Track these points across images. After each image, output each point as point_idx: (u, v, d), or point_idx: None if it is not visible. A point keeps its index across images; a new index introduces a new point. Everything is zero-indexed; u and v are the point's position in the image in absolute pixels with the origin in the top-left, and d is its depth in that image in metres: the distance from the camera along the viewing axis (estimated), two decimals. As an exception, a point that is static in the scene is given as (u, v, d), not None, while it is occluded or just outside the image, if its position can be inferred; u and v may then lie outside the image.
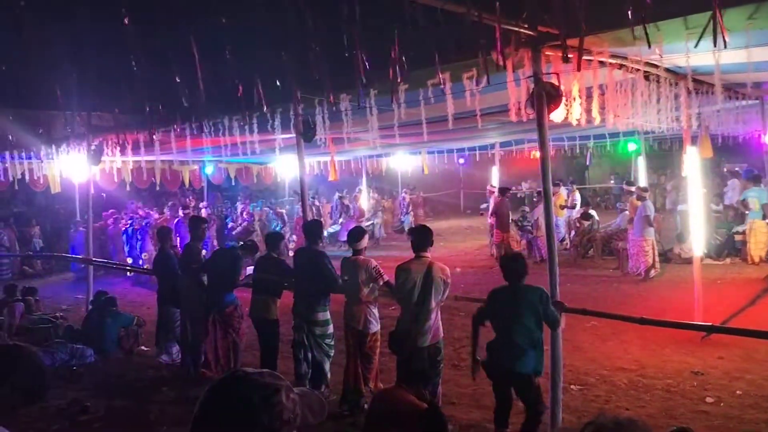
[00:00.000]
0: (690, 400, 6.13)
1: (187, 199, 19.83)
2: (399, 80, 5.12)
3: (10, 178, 12.91)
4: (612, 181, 25.58)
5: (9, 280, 13.86)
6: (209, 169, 18.28)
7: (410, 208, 21.03)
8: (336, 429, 5.82)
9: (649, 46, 4.18)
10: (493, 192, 16.69)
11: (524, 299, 4.93)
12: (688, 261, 10.88)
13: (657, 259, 11.99)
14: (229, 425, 1.39)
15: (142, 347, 8.91)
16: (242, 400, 1.41)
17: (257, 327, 7.17)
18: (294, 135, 7.48)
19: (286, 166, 18.68)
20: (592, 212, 15.32)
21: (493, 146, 17.16)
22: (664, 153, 19.37)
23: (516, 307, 4.93)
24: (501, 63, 4.60)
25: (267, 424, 1.41)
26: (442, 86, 5.38)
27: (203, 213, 15.82)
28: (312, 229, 6.91)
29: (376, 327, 6.29)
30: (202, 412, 1.43)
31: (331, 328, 6.63)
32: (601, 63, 5.25)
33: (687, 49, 4.87)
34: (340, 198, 19.25)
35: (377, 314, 6.36)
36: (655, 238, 12.36)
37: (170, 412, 6.41)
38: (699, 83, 6.67)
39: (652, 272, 11.76)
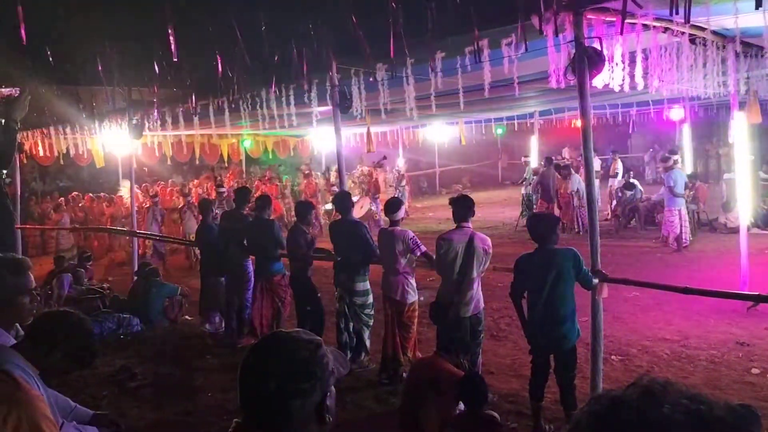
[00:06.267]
0: (735, 371, 6.02)
1: (218, 177, 19.84)
2: (436, 47, 5.04)
3: (56, 153, 13.22)
4: (651, 150, 24.95)
5: (60, 252, 14.28)
6: (247, 143, 18.43)
7: (403, 182, 19.55)
8: (375, 397, 5.91)
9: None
10: (528, 163, 16.49)
11: (556, 264, 4.84)
12: (734, 230, 10.63)
13: (686, 229, 11.72)
14: (285, 380, 1.46)
15: (186, 316, 9.14)
16: (294, 355, 1.48)
17: (295, 291, 7.36)
18: (330, 107, 7.46)
19: (322, 139, 18.68)
20: (635, 182, 15.01)
21: (532, 115, 16.88)
22: (710, 120, 18.76)
23: (550, 275, 4.84)
24: (541, 27, 4.49)
25: (319, 376, 1.49)
26: (479, 53, 5.27)
27: None
28: (342, 201, 6.94)
29: (413, 297, 6.32)
30: (251, 372, 1.49)
31: (370, 298, 6.69)
32: (645, 26, 5.09)
33: (736, 10, 4.67)
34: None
35: (415, 284, 6.38)
36: (697, 207, 12.06)
37: (214, 378, 6.59)
38: (748, 46, 6.41)
39: (683, 242, 11.54)
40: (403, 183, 19.96)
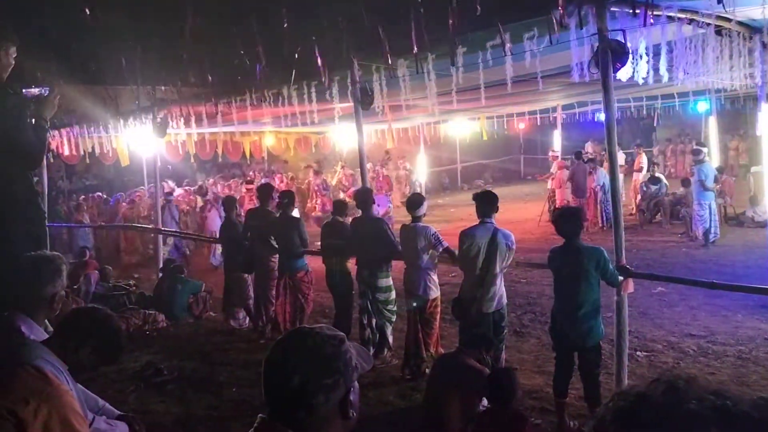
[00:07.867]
0: (763, 367, 5.93)
1: (251, 174, 19.99)
2: (457, 43, 5.02)
3: (81, 152, 13.41)
4: (678, 142, 24.56)
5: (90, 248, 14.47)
6: (269, 140, 18.52)
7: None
8: (398, 393, 5.92)
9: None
10: (557, 158, 16.33)
11: (579, 263, 4.78)
12: (762, 224, 10.46)
13: (716, 223, 11.52)
14: (309, 376, 1.47)
15: (211, 313, 9.23)
16: (318, 351, 1.50)
17: (333, 285, 7.31)
18: (352, 103, 7.47)
19: (342, 135, 18.67)
20: (660, 176, 14.81)
21: (554, 109, 16.72)
22: (736, 112, 18.45)
23: (576, 273, 4.80)
24: (564, 21, 4.45)
25: (343, 371, 1.50)
26: (502, 48, 5.24)
27: None
28: (363, 197, 6.94)
29: (435, 293, 6.31)
30: (275, 368, 1.50)
31: (393, 294, 6.70)
32: (670, 18, 5.02)
33: (763, 1, 4.60)
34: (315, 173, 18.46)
35: (437, 280, 6.38)
36: (726, 201, 11.80)
37: (239, 374, 6.65)
38: (775, 36, 6.30)
39: (711, 237, 11.34)
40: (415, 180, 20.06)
